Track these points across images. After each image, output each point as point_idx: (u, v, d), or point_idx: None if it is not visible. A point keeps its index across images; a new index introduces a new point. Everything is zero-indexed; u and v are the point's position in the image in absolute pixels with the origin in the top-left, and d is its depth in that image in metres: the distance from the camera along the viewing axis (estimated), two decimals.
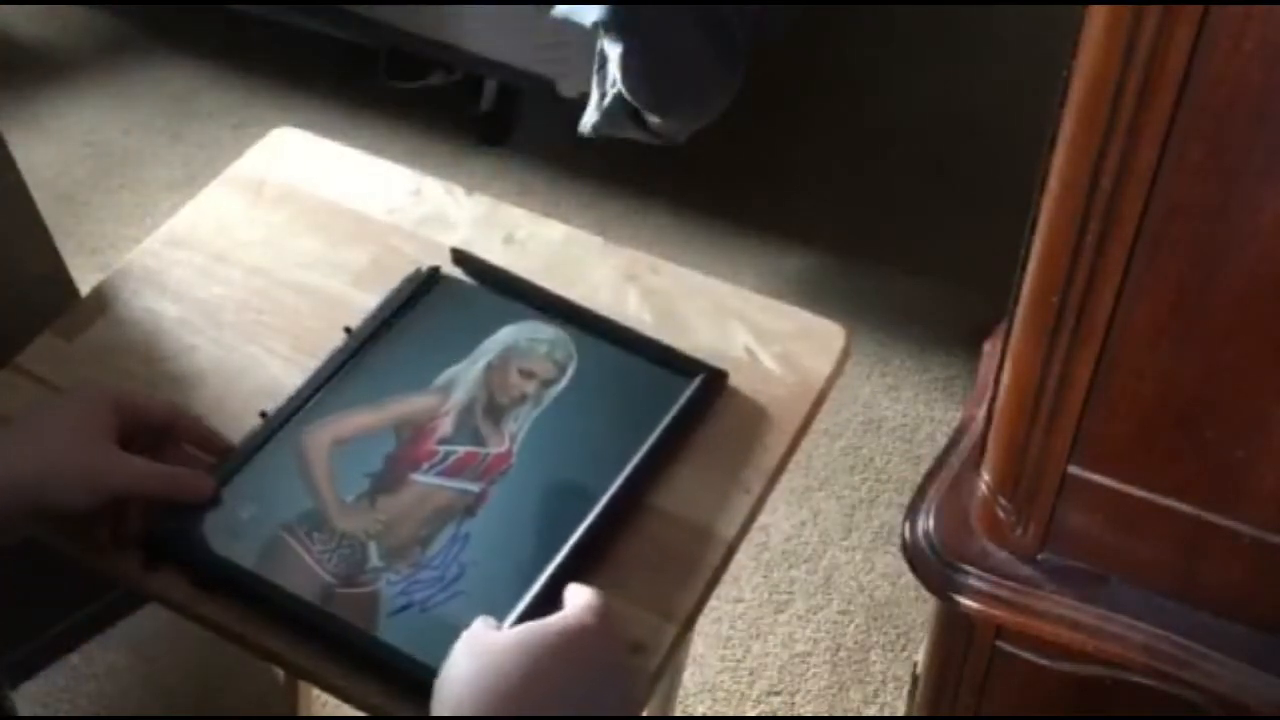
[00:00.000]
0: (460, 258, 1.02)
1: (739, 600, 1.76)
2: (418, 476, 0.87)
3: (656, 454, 0.87)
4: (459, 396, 0.92)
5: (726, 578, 0.89)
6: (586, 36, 1.94)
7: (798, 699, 1.67)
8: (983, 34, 2.62)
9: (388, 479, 0.87)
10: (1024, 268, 0.83)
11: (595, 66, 1.98)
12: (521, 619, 0.75)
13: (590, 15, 1.88)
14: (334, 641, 0.80)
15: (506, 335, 0.95)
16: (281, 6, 2.40)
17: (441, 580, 0.82)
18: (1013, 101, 2.38)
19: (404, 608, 0.81)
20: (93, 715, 1.63)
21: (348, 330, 0.96)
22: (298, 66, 2.60)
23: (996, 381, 0.91)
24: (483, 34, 2.17)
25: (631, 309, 1.01)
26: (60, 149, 2.42)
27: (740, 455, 0.90)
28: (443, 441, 0.89)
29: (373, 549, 0.84)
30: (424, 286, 0.99)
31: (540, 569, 0.80)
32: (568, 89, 2.13)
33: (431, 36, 2.23)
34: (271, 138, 1.17)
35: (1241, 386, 0.80)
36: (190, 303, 1.03)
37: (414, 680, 0.74)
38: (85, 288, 1.15)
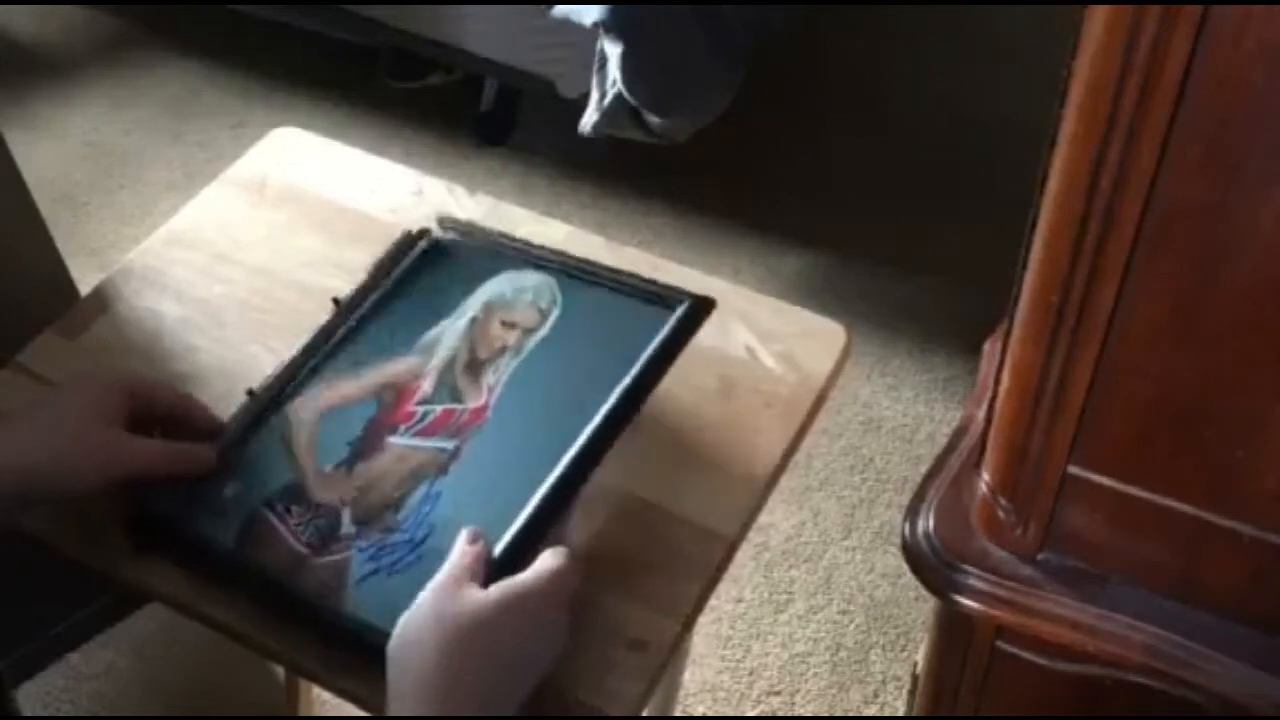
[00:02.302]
0: (445, 220, 1.00)
1: (739, 600, 1.76)
2: (394, 439, 0.86)
3: (636, 389, 0.83)
4: (441, 355, 0.90)
5: (726, 578, 0.89)
6: (586, 36, 1.94)
7: (798, 699, 1.67)
8: (983, 34, 2.62)
9: (366, 445, 0.86)
10: (1024, 268, 0.83)
11: (595, 66, 1.98)
12: (492, 575, 0.74)
13: (590, 15, 1.88)
14: (297, 617, 0.79)
15: (492, 288, 0.93)
16: (281, 6, 2.40)
17: (411, 542, 0.80)
18: (1013, 101, 2.38)
19: (372, 573, 0.79)
20: (93, 715, 1.63)
21: (336, 301, 0.95)
22: (298, 66, 2.60)
23: (996, 381, 0.91)
24: (483, 34, 2.17)
25: None
26: (60, 149, 2.42)
27: (740, 454, 0.90)
28: (422, 402, 0.87)
29: (346, 516, 0.83)
30: (412, 250, 0.97)
31: (512, 519, 0.78)
32: (568, 89, 2.13)
33: (431, 36, 2.23)
34: (271, 138, 1.17)
35: (1241, 386, 0.80)
36: (191, 302, 1.03)
37: (377, 650, 0.73)
38: (85, 288, 1.15)
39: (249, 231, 1.08)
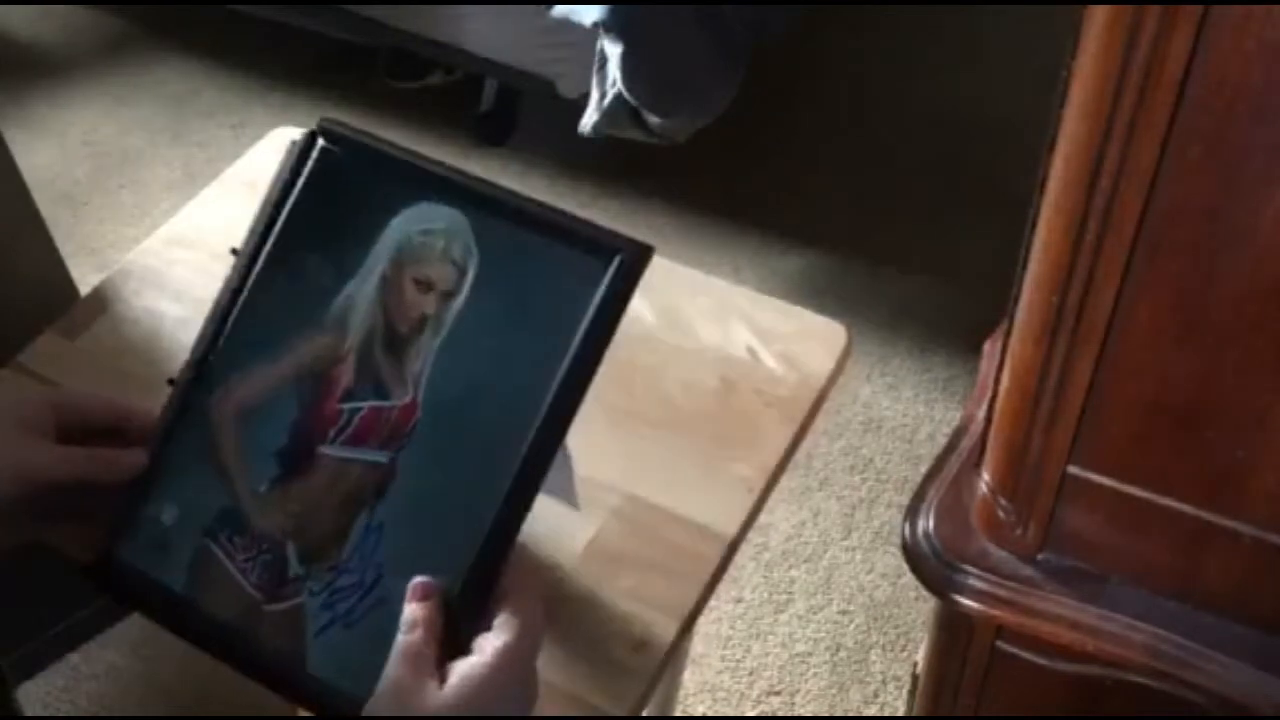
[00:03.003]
0: (330, 132, 0.82)
1: (739, 600, 1.76)
2: (325, 449, 0.76)
3: (576, 372, 0.72)
4: (356, 329, 0.77)
5: (726, 578, 0.89)
6: (586, 36, 1.94)
7: (798, 699, 1.67)
8: (982, 34, 2.62)
9: (296, 457, 0.76)
10: (1024, 268, 0.83)
11: (595, 66, 1.98)
12: (451, 630, 0.69)
13: (590, 15, 1.88)
14: (268, 676, 0.75)
15: (396, 231, 0.78)
16: (281, 6, 2.40)
17: (360, 586, 0.74)
18: (1013, 101, 2.38)
19: (328, 625, 0.74)
20: (93, 715, 1.63)
21: (235, 252, 0.82)
22: (298, 66, 2.60)
23: (996, 381, 0.91)
24: (483, 34, 2.17)
25: (633, 307, 1.01)
26: (60, 149, 2.42)
27: (741, 454, 0.90)
28: (346, 397, 0.76)
29: (291, 552, 0.76)
30: (303, 165, 0.81)
31: (459, 563, 0.71)
32: (568, 89, 2.13)
33: (431, 36, 2.23)
34: (271, 138, 1.17)
35: (1241, 386, 0.80)
36: (191, 302, 1.03)
37: (342, 712, 0.71)
38: (85, 288, 1.15)
39: None
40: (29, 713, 1.60)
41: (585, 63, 2.00)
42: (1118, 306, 0.79)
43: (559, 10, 1.95)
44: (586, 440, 0.97)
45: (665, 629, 0.81)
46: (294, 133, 1.17)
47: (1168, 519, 0.88)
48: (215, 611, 0.77)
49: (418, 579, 0.71)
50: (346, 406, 0.76)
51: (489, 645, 0.68)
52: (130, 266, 1.06)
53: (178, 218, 1.10)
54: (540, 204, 0.76)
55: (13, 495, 0.76)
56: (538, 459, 0.71)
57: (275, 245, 0.80)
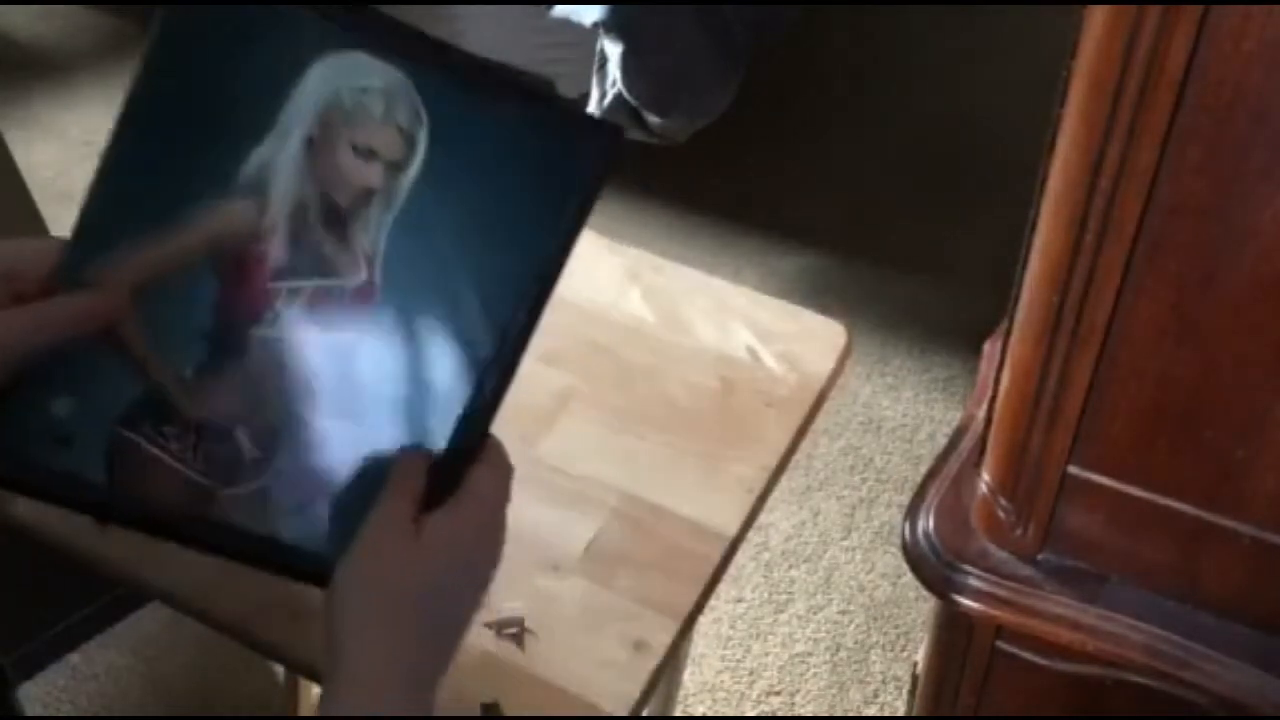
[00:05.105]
0: None
1: (739, 600, 1.76)
2: (259, 331, 0.68)
3: (551, 260, 0.67)
4: (280, 198, 0.67)
5: (726, 578, 0.89)
6: (586, 36, 1.94)
7: (798, 699, 1.67)
8: (982, 34, 2.62)
9: (228, 339, 0.68)
10: (1024, 268, 0.83)
11: (595, 66, 1.98)
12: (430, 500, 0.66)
13: (590, 15, 1.88)
14: (229, 551, 0.69)
15: (318, 83, 0.67)
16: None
17: (330, 466, 0.69)
18: (1013, 101, 2.38)
19: (300, 504, 0.69)
20: (93, 715, 1.63)
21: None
22: None
23: (996, 381, 0.91)
24: (483, 34, 2.17)
25: (634, 307, 1.01)
26: (60, 149, 2.42)
27: (741, 454, 0.90)
28: (278, 275, 0.67)
29: (243, 436, 0.69)
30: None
31: (436, 437, 0.67)
32: (568, 89, 2.13)
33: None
34: None
35: (1241, 386, 0.80)
36: None
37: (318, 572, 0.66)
38: None
39: None
40: (29, 713, 1.60)
41: (585, 63, 2.00)
42: (1118, 306, 0.79)
43: (559, 10, 1.95)
44: (587, 440, 0.97)
45: (665, 629, 0.81)
46: None
47: (1168, 519, 0.88)
48: (154, 498, 0.69)
49: (406, 448, 0.67)
50: (284, 285, 0.68)
51: (462, 501, 0.67)
52: None
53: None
54: (488, 63, 0.67)
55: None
56: (521, 334, 0.66)
57: (168, 91, 0.67)
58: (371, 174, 0.67)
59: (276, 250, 0.67)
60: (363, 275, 0.67)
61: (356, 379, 0.68)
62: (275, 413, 0.69)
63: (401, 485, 0.67)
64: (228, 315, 0.68)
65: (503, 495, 0.68)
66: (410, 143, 0.67)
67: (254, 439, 0.69)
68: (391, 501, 0.67)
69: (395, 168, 0.67)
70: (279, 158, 0.67)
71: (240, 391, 0.69)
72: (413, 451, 0.68)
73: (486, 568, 0.69)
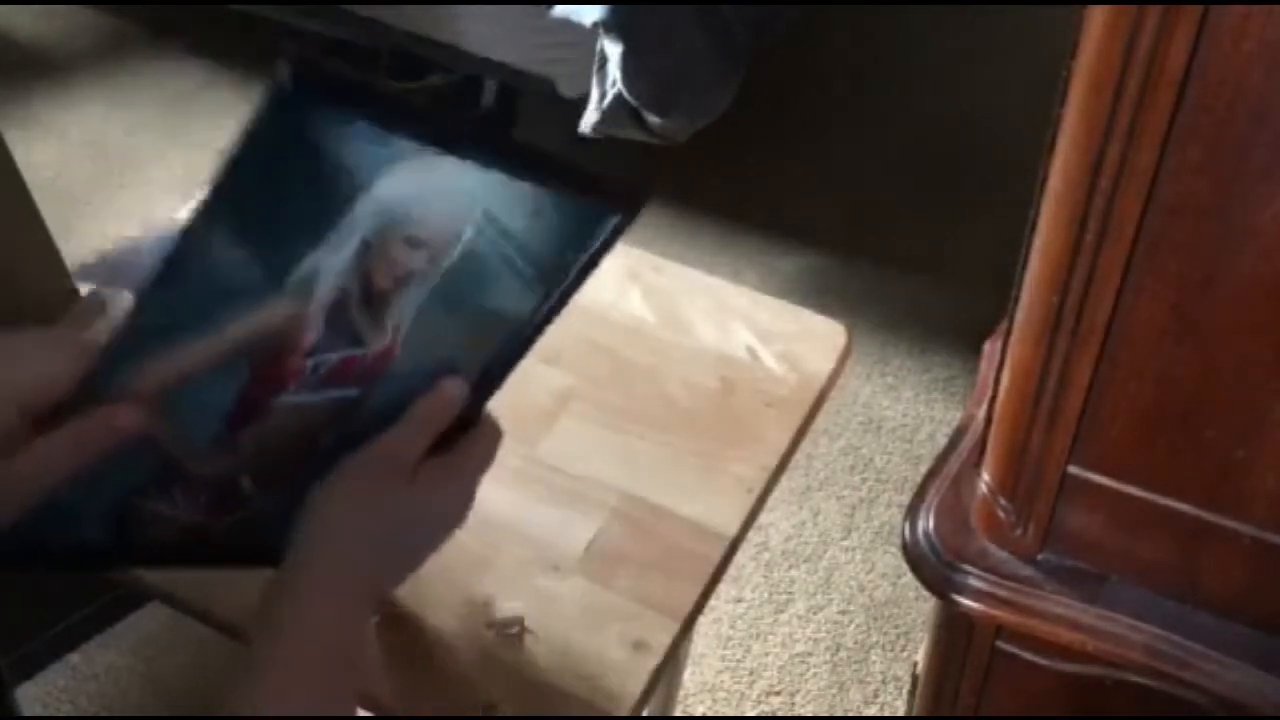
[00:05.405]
0: (302, 63, 0.55)
1: (739, 600, 1.76)
2: (285, 398, 0.68)
3: (551, 313, 0.71)
4: (324, 295, 0.65)
5: (726, 578, 0.89)
6: (586, 36, 1.94)
7: (798, 699, 1.67)
8: (983, 34, 2.62)
9: (247, 412, 0.68)
10: (1024, 268, 0.83)
11: (595, 66, 1.98)
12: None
13: (590, 15, 1.88)
14: (227, 563, 0.72)
15: (388, 192, 0.63)
16: (281, 6, 2.40)
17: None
18: (1013, 101, 2.38)
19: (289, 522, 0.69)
20: (93, 715, 1.63)
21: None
22: None
23: (996, 381, 0.91)
24: (483, 34, 2.17)
25: (634, 307, 1.01)
26: (60, 149, 2.42)
27: (741, 454, 0.90)
28: (312, 353, 0.67)
29: (245, 481, 0.71)
30: (273, 113, 0.59)
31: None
32: (568, 89, 2.13)
33: (431, 36, 2.23)
34: None
35: (1241, 386, 0.80)
36: None
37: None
38: (85, 288, 1.15)
39: None
40: (29, 713, 1.60)
41: (585, 63, 2.00)
42: (1118, 306, 0.79)
43: (559, 10, 1.95)
44: (587, 440, 0.97)
45: (665, 629, 0.81)
46: None
47: (1168, 519, 0.88)
48: (155, 545, 0.71)
49: (448, 378, 0.70)
50: (312, 360, 0.67)
51: (455, 458, 0.70)
52: None
53: (178, 218, 1.10)
54: (545, 154, 0.66)
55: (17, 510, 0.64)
56: (506, 360, 0.72)
57: (222, 204, 0.63)
58: (417, 260, 0.67)
59: (313, 332, 0.66)
60: (386, 341, 0.68)
61: (361, 424, 0.69)
62: (276, 458, 0.70)
63: (426, 419, 0.69)
64: (254, 394, 0.67)
65: (489, 461, 0.71)
66: (458, 235, 0.66)
67: (256, 480, 0.71)
68: (409, 433, 0.68)
69: (440, 252, 0.67)
70: (328, 263, 0.64)
71: (252, 447, 0.69)
72: (452, 383, 0.70)
73: (454, 524, 0.71)
